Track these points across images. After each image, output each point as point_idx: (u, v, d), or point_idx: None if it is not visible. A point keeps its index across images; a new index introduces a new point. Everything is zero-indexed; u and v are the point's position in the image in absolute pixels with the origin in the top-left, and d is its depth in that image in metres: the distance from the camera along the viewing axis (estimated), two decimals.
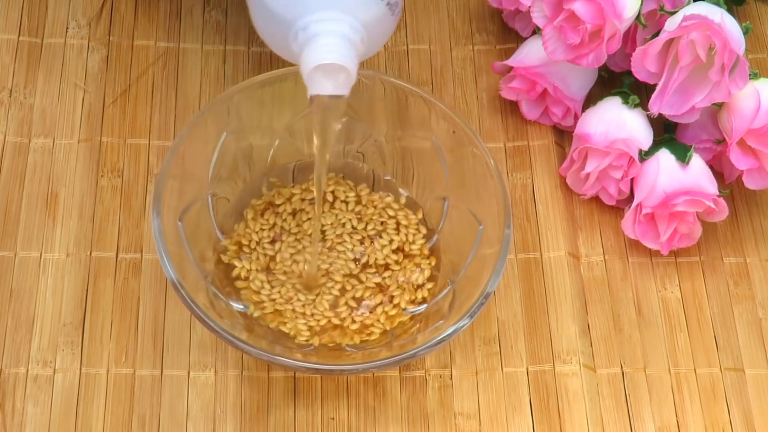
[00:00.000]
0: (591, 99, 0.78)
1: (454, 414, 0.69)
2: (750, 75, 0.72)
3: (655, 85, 0.73)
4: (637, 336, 0.73)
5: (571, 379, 0.71)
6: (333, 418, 0.69)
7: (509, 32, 0.82)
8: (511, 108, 0.80)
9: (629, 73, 0.74)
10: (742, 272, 0.75)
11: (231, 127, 0.72)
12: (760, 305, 0.74)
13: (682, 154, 0.74)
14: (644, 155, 0.74)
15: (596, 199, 0.77)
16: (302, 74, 0.62)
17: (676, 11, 0.72)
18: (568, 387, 0.70)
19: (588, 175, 0.75)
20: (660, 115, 0.74)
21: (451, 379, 0.70)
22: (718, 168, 0.77)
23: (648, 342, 0.72)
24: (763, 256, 0.76)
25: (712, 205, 0.72)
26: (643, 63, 0.72)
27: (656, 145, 0.75)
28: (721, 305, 0.74)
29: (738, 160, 0.73)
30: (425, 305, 0.70)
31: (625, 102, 0.75)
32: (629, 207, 0.74)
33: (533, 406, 0.70)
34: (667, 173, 0.73)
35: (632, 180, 0.75)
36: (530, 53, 0.77)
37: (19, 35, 0.80)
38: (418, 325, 0.69)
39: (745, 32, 0.72)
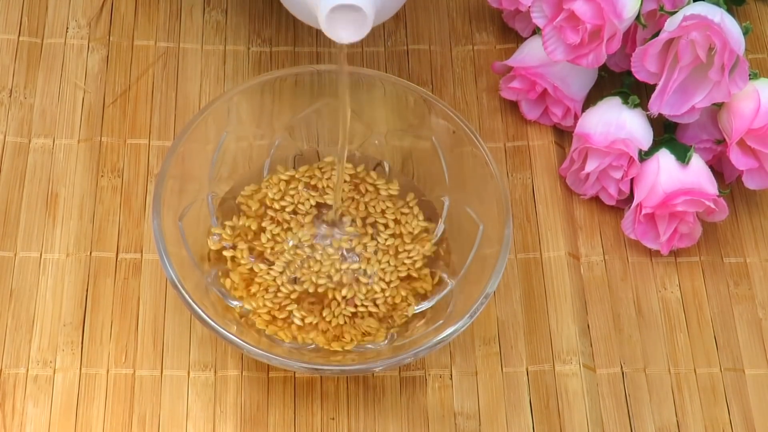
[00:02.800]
0: (591, 99, 0.78)
1: (453, 414, 0.69)
2: (750, 75, 0.72)
3: (655, 85, 0.73)
4: (637, 336, 0.73)
5: (571, 379, 0.71)
6: (333, 419, 0.69)
7: (509, 32, 0.83)
8: (511, 108, 0.80)
9: (629, 73, 0.74)
10: (742, 272, 0.75)
11: (231, 127, 0.72)
12: (760, 305, 0.74)
13: (682, 154, 0.74)
14: (644, 155, 0.74)
15: (596, 199, 0.77)
16: (320, 19, 0.63)
17: (676, 11, 0.72)
18: (568, 387, 0.70)
19: (588, 175, 0.75)
20: (660, 115, 0.74)
21: (451, 379, 0.70)
22: (718, 168, 0.77)
23: (648, 342, 0.72)
24: (763, 256, 0.76)
25: (712, 205, 0.72)
26: (643, 63, 0.72)
27: (656, 145, 0.75)
28: (721, 305, 0.74)
29: (738, 160, 0.73)
30: (425, 304, 0.70)
31: (625, 102, 0.75)
32: (629, 207, 0.74)
33: (533, 406, 0.70)
34: (667, 173, 0.73)
35: (632, 180, 0.75)
36: (530, 53, 0.77)
37: (19, 35, 0.80)
38: (418, 325, 0.69)
39: (745, 32, 0.72)
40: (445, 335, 0.65)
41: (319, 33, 0.82)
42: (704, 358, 0.72)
